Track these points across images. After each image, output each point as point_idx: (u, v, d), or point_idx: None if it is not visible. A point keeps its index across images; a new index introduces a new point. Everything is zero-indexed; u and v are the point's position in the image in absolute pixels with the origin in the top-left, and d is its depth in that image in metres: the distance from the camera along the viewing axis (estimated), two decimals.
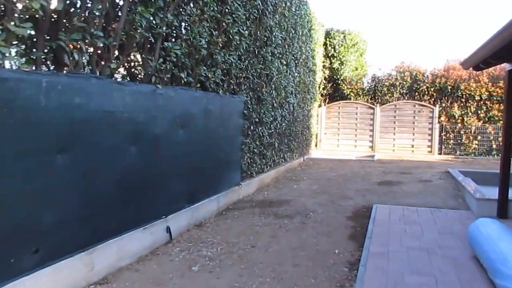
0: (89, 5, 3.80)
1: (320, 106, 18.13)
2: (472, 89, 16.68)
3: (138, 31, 4.42)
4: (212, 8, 5.97)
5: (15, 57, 3.19)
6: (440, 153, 17.05)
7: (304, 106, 13.89)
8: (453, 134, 16.97)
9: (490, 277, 3.94)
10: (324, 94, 18.73)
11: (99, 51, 4.05)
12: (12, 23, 3.01)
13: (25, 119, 3.13)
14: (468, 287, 3.87)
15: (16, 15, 3.07)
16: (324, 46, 18.56)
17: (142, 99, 4.64)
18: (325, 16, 28.72)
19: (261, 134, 8.78)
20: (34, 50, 3.40)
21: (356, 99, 18.66)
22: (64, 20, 3.60)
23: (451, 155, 16.86)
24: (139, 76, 4.95)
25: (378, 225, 5.97)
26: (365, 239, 5.30)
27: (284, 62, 10.52)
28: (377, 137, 17.88)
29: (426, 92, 17.53)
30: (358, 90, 18.76)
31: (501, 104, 16.33)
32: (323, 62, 18.33)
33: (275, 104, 9.80)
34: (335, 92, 19.14)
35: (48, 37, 3.49)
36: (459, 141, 16.91)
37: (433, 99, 17.46)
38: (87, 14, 3.77)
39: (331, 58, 19.07)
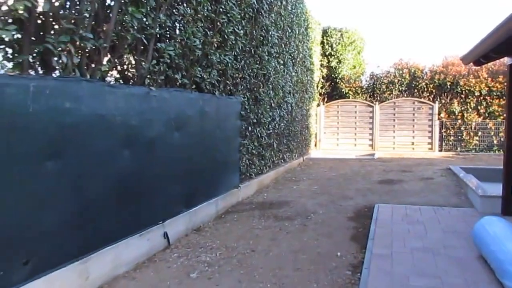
0: (77, 6, 3.67)
1: (318, 105, 18.02)
2: (471, 84, 16.58)
3: (130, 32, 4.30)
4: (206, 8, 5.84)
5: (0, 61, 3.07)
6: (440, 150, 16.94)
7: (303, 106, 13.77)
8: (453, 130, 16.86)
9: (499, 278, 3.82)
10: (322, 93, 18.62)
11: (89, 54, 3.92)
12: None
13: (11, 125, 3.01)
14: None
15: None
16: (322, 45, 18.46)
17: (136, 102, 4.52)
18: (322, 14, 28.67)
19: (259, 135, 8.65)
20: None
21: (354, 97, 18.55)
22: (52, 22, 3.47)
23: (452, 152, 16.75)
24: (133, 78, 4.82)
25: (381, 225, 5.85)
26: (368, 240, 5.18)
27: (281, 62, 10.40)
28: (377, 135, 17.76)
29: (425, 89, 17.43)
30: (357, 88, 18.65)
31: (501, 100, 16.24)
32: (321, 60, 18.22)
33: (273, 104, 9.68)
34: (334, 90, 19.03)
35: (35, 40, 3.36)
36: (459, 137, 16.80)
37: (432, 96, 17.36)
38: (75, 16, 3.63)
39: (329, 57, 18.96)
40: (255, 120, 8.37)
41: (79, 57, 3.73)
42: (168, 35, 5.24)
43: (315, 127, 17.37)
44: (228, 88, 7.02)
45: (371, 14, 48.04)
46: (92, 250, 3.88)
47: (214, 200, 6.52)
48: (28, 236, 3.19)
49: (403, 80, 17.81)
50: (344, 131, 18.29)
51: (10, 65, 3.25)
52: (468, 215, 6.38)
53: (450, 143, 16.95)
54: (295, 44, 12.03)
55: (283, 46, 10.51)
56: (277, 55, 9.91)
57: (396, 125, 17.60)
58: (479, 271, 4.13)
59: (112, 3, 4.12)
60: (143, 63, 4.70)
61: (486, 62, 6.46)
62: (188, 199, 5.74)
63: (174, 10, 5.21)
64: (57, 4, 3.44)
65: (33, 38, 3.34)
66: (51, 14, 3.43)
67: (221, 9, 6.31)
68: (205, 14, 5.89)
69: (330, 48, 18.91)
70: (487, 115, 16.54)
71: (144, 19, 4.53)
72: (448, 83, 16.94)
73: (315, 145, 17.92)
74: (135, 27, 4.35)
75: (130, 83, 4.72)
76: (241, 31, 7.14)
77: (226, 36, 6.58)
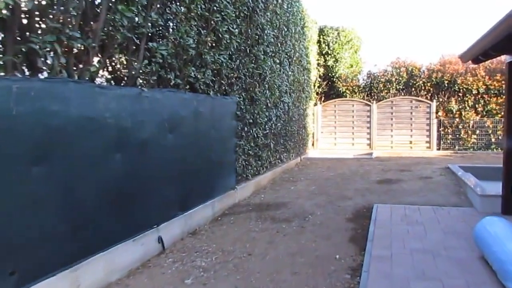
0: (64, 4, 3.54)
1: (315, 104, 17.92)
2: (469, 83, 16.49)
3: (120, 31, 4.17)
4: (199, 6, 5.72)
5: None
6: (438, 149, 16.86)
7: (299, 105, 13.67)
8: (451, 129, 16.78)
9: (501, 279, 3.73)
10: (319, 92, 18.52)
11: (77, 54, 3.80)
12: None
13: None
14: None
15: None
16: (318, 44, 18.35)
17: (127, 103, 4.39)
18: (318, 13, 28.53)
19: (255, 135, 8.54)
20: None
21: (352, 96, 18.44)
22: (37, 21, 3.35)
23: (450, 150, 16.67)
24: (125, 79, 4.69)
25: (380, 226, 5.74)
26: (367, 241, 5.08)
27: (277, 61, 10.29)
28: (375, 134, 17.67)
29: (423, 87, 17.34)
30: (354, 87, 18.54)
31: (499, 98, 16.17)
32: (318, 60, 18.11)
33: (269, 104, 9.56)
34: (331, 90, 18.92)
35: (20, 40, 3.24)
36: (457, 136, 16.72)
37: (430, 94, 17.27)
38: (62, 14, 3.51)
39: (326, 56, 18.85)
40: (251, 120, 8.25)
41: (67, 57, 3.61)
42: (160, 34, 5.12)
43: (312, 127, 17.28)
44: (223, 88, 6.91)
45: (368, 12, 48.00)
46: (83, 257, 3.75)
47: (210, 202, 6.40)
48: (14, 244, 3.06)
49: (400, 78, 17.71)
50: (341, 130, 18.18)
51: None
52: (468, 214, 6.28)
53: (448, 141, 16.87)
54: (292, 43, 11.93)
55: (279, 45, 10.40)
56: (273, 54, 9.80)
57: (393, 124, 17.51)
58: (481, 272, 4.03)
59: (100, 1, 3.99)
60: (135, 63, 4.58)
61: (485, 60, 6.36)
62: (183, 201, 5.62)
63: (166, 9, 5.09)
64: (42, 2, 3.32)
65: (18, 38, 3.22)
66: (36, 13, 3.32)
67: (215, 8, 6.19)
68: (199, 13, 5.78)
69: (327, 47, 18.79)
70: (485, 113, 16.47)
71: (135, 18, 4.40)
72: (446, 82, 16.86)
73: (313, 144, 17.81)
74: (126, 26, 4.23)
75: (122, 84, 4.60)
76: (236, 30, 7.02)
77: (220, 35, 6.46)
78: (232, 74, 7.14)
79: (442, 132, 16.89)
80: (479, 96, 16.50)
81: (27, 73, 3.33)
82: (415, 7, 47.80)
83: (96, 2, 4.02)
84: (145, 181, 4.72)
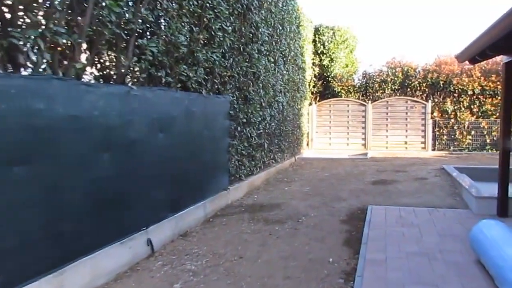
0: None
1: (310, 104, 17.81)
2: (464, 83, 16.45)
3: (108, 27, 4.03)
4: (191, 3, 5.59)
5: None
6: (433, 149, 16.80)
7: (294, 105, 13.55)
8: (447, 129, 16.72)
9: (498, 285, 3.63)
10: (314, 92, 18.41)
11: (62, 50, 3.66)
12: None
13: None
14: None
15: None
16: (313, 43, 18.24)
17: (115, 102, 4.25)
18: (314, 12, 28.43)
19: (249, 135, 8.41)
20: None
21: (347, 96, 18.35)
22: (21, 16, 3.21)
23: (445, 151, 16.62)
24: (113, 76, 4.56)
25: (374, 228, 5.64)
26: (361, 244, 4.96)
27: (272, 60, 10.17)
28: (370, 134, 17.59)
29: (418, 88, 17.27)
30: (349, 87, 18.45)
31: (494, 99, 16.15)
32: (313, 59, 18.00)
33: (263, 104, 9.44)
34: (326, 89, 18.82)
35: (1, 34, 3.10)
36: (452, 136, 16.67)
37: (425, 95, 17.21)
38: (46, 8, 3.37)
39: (321, 55, 18.74)
40: (244, 120, 8.12)
41: (51, 53, 3.47)
42: (150, 31, 4.98)
43: (307, 127, 17.18)
44: (216, 87, 6.78)
45: (363, 12, 47.88)
46: (68, 261, 3.61)
47: (202, 203, 6.27)
48: None
49: (396, 79, 17.64)
50: (336, 130, 18.09)
51: None
52: (463, 216, 6.20)
53: (443, 142, 16.81)
54: (286, 42, 11.81)
55: (273, 44, 10.28)
56: (267, 53, 9.67)
57: (389, 124, 17.43)
58: (477, 277, 3.94)
59: None
60: (124, 60, 4.44)
61: (482, 60, 6.27)
62: (174, 203, 5.49)
63: (156, 4, 4.94)
64: None
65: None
66: (21, 7, 3.18)
67: (208, 4, 6.07)
68: (191, 9, 5.65)
69: (322, 46, 18.68)
70: (480, 114, 16.42)
71: (124, 13, 4.26)
72: (441, 82, 16.80)
73: (307, 144, 17.71)
74: (114, 22, 4.09)
75: (111, 82, 4.46)
76: (229, 28, 6.90)
77: (213, 33, 6.34)
78: (225, 73, 7.01)
79: (437, 133, 16.84)
80: (475, 97, 16.46)
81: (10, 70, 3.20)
82: (411, 7, 47.77)
83: None
84: (134, 182, 4.59)
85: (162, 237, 5.13)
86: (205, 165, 6.42)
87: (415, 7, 46.89)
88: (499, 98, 15.90)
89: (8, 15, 3.18)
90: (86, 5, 3.81)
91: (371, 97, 18.05)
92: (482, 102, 16.39)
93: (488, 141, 16.30)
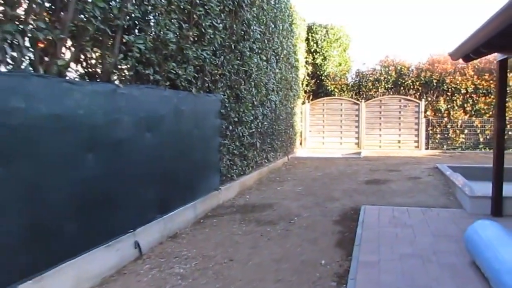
0: None
1: (303, 103, 17.72)
2: (457, 82, 16.44)
3: (92, 22, 3.88)
4: None
5: None
6: (427, 148, 16.78)
7: (287, 104, 13.44)
8: (440, 128, 16.71)
9: None
10: (307, 90, 18.32)
11: (43, 46, 3.51)
12: None
13: None
14: None
15: None
16: (307, 41, 18.13)
17: (100, 100, 4.11)
18: (307, 10, 28.29)
19: (241, 134, 8.28)
20: None
21: (340, 95, 18.27)
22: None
23: (438, 150, 16.60)
24: (99, 74, 4.41)
25: (367, 228, 5.54)
26: (354, 246, 4.86)
27: (264, 58, 10.04)
28: (363, 133, 17.53)
29: (412, 86, 17.24)
30: (342, 86, 18.37)
31: (487, 97, 16.15)
32: (306, 57, 17.90)
33: (255, 102, 9.31)
34: (319, 88, 18.73)
35: None
36: (445, 135, 16.65)
37: (418, 93, 17.19)
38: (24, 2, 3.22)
39: (314, 54, 18.64)
40: (236, 119, 7.99)
41: (31, 49, 3.33)
42: (137, 27, 4.84)
43: (300, 126, 17.08)
44: (207, 85, 6.64)
45: (357, 11, 47.87)
46: (49, 266, 3.46)
47: (192, 204, 6.14)
48: None
49: (389, 77, 17.59)
50: (330, 129, 18.01)
51: None
52: (457, 216, 6.12)
53: (437, 141, 16.80)
54: (279, 40, 11.68)
55: (266, 42, 10.15)
56: (259, 51, 9.54)
57: (382, 123, 17.39)
58: (473, 279, 3.85)
59: None
60: (109, 57, 4.29)
61: (476, 57, 6.18)
62: (163, 204, 5.36)
63: (144, 0, 4.79)
64: None
65: None
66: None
67: (197, 1, 5.92)
68: (180, 6, 5.50)
69: (315, 45, 18.59)
70: (473, 113, 16.42)
71: (109, 8, 4.12)
72: (434, 81, 16.78)
73: (301, 143, 17.61)
74: (98, 17, 3.95)
75: (97, 79, 4.31)
76: (220, 25, 6.76)
77: (203, 30, 6.20)
78: (216, 71, 6.87)
79: (430, 132, 16.81)
80: (468, 95, 16.46)
81: None
82: (405, 6, 47.84)
83: None
84: (120, 182, 4.45)
85: (150, 239, 4.99)
86: (195, 165, 6.29)
87: (408, 6, 46.97)
88: (492, 96, 15.91)
89: None
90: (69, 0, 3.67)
91: (364, 96, 17.99)
92: (475, 101, 16.39)
93: (481, 139, 16.31)
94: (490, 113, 16.02)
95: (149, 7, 4.87)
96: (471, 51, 5.71)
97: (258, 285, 3.93)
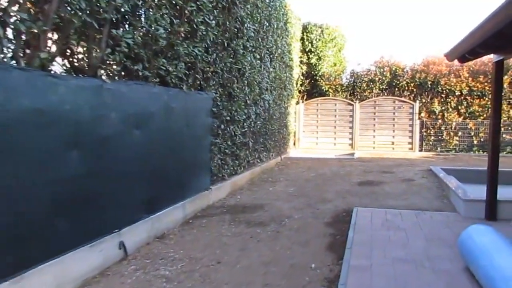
0: None
1: (297, 103, 17.61)
2: (452, 84, 16.39)
3: (77, 14, 3.74)
4: None
5: None
6: (421, 150, 16.73)
7: (281, 103, 13.32)
8: (434, 130, 16.66)
9: None
10: (301, 90, 18.22)
11: (25, 38, 3.37)
12: None
13: None
14: None
15: None
16: (301, 41, 18.01)
17: (86, 96, 3.97)
18: (302, 9, 28.13)
19: (233, 133, 8.14)
20: None
21: (334, 95, 18.18)
22: None
23: (432, 152, 16.55)
24: (86, 69, 4.26)
25: (360, 231, 5.43)
26: (345, 249, 4.74)
27: (258, 56, 9.90)
28: (357, 134, 17.45)
29: (406, 88, 17.18)
30: (337, 86, 18.28)
31: (482, 100, 16.12)
32: (300, 57, 17.78)
33: (248, 101, 9.18)
34: (313, 88, 18.63)
35: None
36: (439, 137, 16.61)
37: (413, 95, 17.13)
38: None
39: (309, 53, 18.53)
40: (228, 118, 7.85)
41: (13, 41, 3.18)
42: (126, 22, 4.69)
43: (294, 125, 16.96)
44: (198, 82, 6.49)
45: (352, 11, 47.83)
46: (28, 267, 3.32)
47: (181, 204, 6.00)
48: None
49: (384, 78, 17.52)
50: (323, 129, 17.91)
51: None
52: (451, 220, 6.03)
53: (431, 143, 16.75)
54: (273, 39, 11.55)
55: (260, 40, 10.02)
56: (253, 49, 9.40)
57: (376, 124, 17.31)
58: (466, 286, 3.74)
59: None
60: (96, 51, 4.15)
61: (472, 58, 6.10)
62: (151, 203, 5.22)
63: None
64: None
65: None
66: None
67: None
68: (172, 1, 5.36)
69: (310, 44, 18.48)
70: (467, 115, 16.38)
71: (96, 1, 3.97)
72: (429, 82, 16.72)
73: (294, 144, 17.51)
74: (84, 10, 3.80)
75: (85, 75, 4.16)
76: (213, 22, 6.62)
77: (195, 26, 6.05)
78: (208, 68, 6.72)
79: (424, 133, 16.77)
80: (462, 97, 16.42)
81: None
82: (400, 7, 47.87)
83: None
84: (106, 181, 4.31)
85: (136, 239, 4.86)
86: (186, 164, 6.16)
87: (403, 7, 47.01)
88: (486, 99, 15.88)
89: None
90: None
91: (358, 97, 17.92)
92: (470, 103, 16.35)
93: (475, 142, 16.29)
94: (485, 115, 16.00)
95: (139, 1, 4.73)
96: (467, 51, 5.61)
97: None
